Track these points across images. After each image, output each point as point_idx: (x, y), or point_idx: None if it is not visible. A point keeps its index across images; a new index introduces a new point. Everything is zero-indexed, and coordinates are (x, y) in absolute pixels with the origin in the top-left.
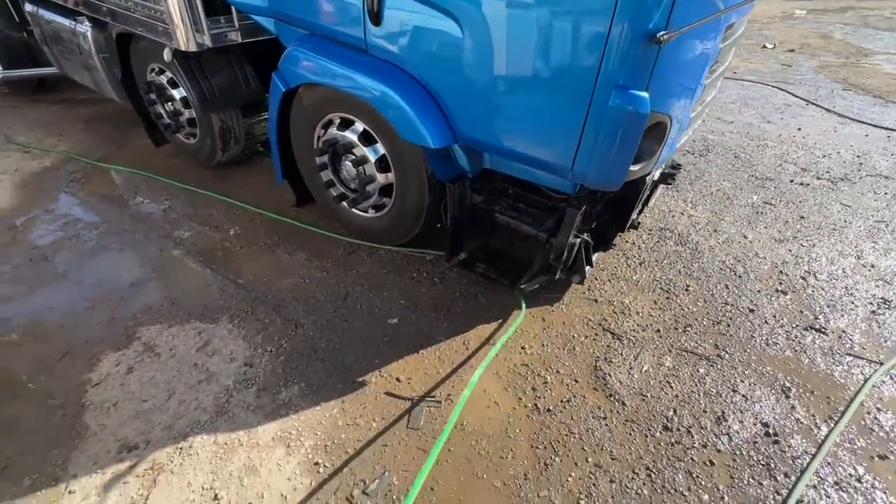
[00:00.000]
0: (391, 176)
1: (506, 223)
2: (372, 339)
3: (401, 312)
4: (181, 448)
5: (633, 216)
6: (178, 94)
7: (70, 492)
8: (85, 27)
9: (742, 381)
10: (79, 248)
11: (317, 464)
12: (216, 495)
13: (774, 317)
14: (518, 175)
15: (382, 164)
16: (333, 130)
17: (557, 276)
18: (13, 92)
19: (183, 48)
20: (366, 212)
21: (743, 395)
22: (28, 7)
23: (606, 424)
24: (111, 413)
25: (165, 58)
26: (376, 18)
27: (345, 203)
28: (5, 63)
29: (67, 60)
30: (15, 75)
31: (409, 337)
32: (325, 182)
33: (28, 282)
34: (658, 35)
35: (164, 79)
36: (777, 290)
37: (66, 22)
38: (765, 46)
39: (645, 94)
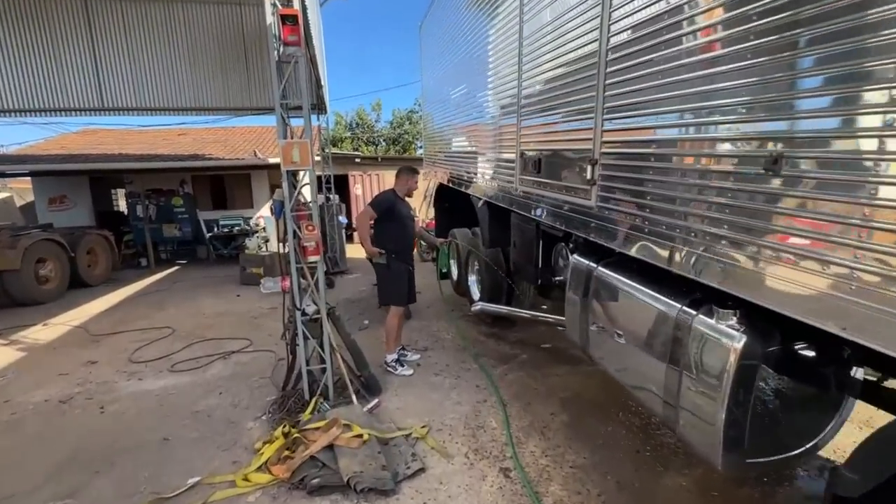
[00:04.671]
0: None
1: None
2: None
3: None
4: None
5: None
6: None
7: None
8: (730, 336)
9: None
10: None
11: None
12: None
13: None
14: None
15: None
16: None
17: None
18: (477, 320)
19: None
20: None
21: None
22: (576, 260)
23: None
24: None
25: None
26: None
27: None
28: (486, 296)
29: (609, 347)
30: (491, 309)
31: None
32: None
33: None
34: None
35: None
36: None
37: (658, 305)
38: None
39: None
